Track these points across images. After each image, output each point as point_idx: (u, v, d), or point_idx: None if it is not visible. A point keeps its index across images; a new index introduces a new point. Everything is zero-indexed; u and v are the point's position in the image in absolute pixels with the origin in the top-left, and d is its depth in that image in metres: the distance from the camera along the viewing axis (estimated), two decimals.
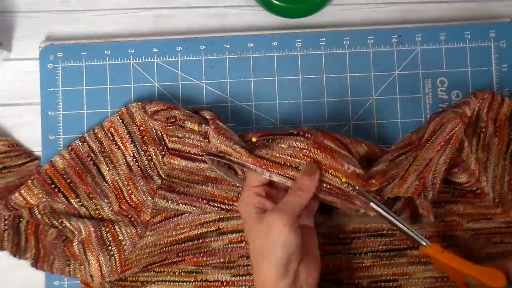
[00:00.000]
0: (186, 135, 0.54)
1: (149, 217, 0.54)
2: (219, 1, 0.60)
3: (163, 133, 0.55)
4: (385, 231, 0.55)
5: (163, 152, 0.55)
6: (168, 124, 0.54)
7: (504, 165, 0.55)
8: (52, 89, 0.57)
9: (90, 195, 0.54)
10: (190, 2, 0.60)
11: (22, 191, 0.53)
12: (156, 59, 0.58)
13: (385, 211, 0.48)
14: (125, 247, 0.53)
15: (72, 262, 0.53)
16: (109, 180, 0.55)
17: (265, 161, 0.49)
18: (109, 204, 0.54)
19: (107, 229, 0.54)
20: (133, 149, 0.55)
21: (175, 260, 0.54)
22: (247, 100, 0.58)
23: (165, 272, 0.54)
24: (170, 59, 0.58)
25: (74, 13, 0.59)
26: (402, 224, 0.48)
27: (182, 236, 0.54)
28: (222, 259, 0.54)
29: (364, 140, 0.54)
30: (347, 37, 0.58)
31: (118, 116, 0.56)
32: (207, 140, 0.53)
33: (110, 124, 0.56)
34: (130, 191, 0.55)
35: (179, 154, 0.54)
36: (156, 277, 0.54)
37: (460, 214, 0.55)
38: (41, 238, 0.55)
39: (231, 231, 0.54)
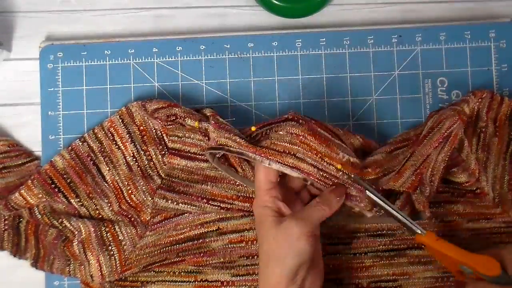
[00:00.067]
0: (186, 134, 0.54)
1: (149, 217, 0.54)
2: (219, 1, 0.60)
3: (163, 132, 0.55)
4: (385, 231, 0.55)
5: (163, 152, 0.55)
6: (169, 123, 0.54)
7: (504, 165, 0.55)
8: (52, 89, 0.57)
9: (90, 195, 0.54)
10: (190, 2, 0.60)
11: (22, 191, 0.53)
12: (156, 59, 0.58)
13: (380, 199, 0.48)
14: (125, 247, 0.53)
15: (72, 262, 0.53)
16: (109, 180, 0.55)
17: (264, 149, 0.49)
18: (109, 204, 0.54)
19: (107, 229, 0.54)
20: (133, 149, 0.55)
21: (175, 260, 0.54)
22: (247, 100, 0.58)
23: (165, 272, 0.54)
24: (170, 59, 0.58)
25: (74, 13, 0.59)
26: (397, 212, 0.48)
27: (182, 236, 0.54)
28: (222, 259, 0.54)
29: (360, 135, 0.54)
30: (347, 37, 0.58)
31: (118, 116, 0.56)
32: (207, 138, 0.53)
33: (110, 124, 0.56)
34: (130, 191, 0.55)
35: (179, 154, 0.54)
36: (156, 277, 0.54)
37: (460, 214, 0.55)
38: (41, 238, 0.55)
39: (231, 231, 0.54)
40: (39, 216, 0.54)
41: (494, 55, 0.58)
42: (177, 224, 0.54)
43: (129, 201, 0.55)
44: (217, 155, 0.53)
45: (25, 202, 0.54)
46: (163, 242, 0.54)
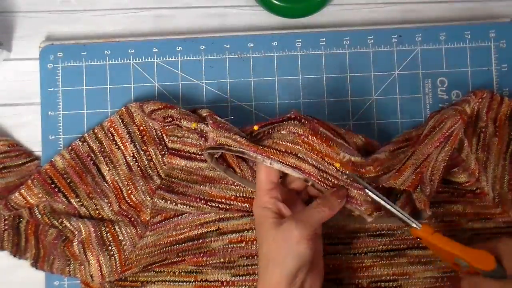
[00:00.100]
0: (185, 135, 0.54)
1: (148, 217, 0.54)
2: (219, 1, 0.60)
3: (162, 133, 0.55)
4: (385, 231, 0.55)
5: (163, 152, 0.55)
6: (166, 124, 0.54)
7: (504, 165, 0.55)
8: (52, 89, 0.57)
9: (90, 195, 0.54)
10: (190, 2, 0.60)
11: (22, 190, 0.53)
12: (156, 59, 0.58)
13: (377, 195, 0.48)
14: (125, 247, 0.53)
15: (72, 262, 0.53)
16: (109, 180, 0.55)
17: (266, 148, 0.49)
18: (109, 204, 0.54)
19: (107, 229, 0.54)
20: (133, 149, 0.55)
21: (175, 260, 0.54)
22: (247, 100, 0.58)
23: (165, 272, 0.54)
24: (170, 59, 0.58)
25: (74, 13, 0.59)
26: (393, 207, 0.48)
27: (182, 236, 0.54)
28: (222, 259, 0.54)
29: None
30: (347, 37, 0.58)
31: (118, 116, 0.56)
32: (203, 139, 0.53)
33: (110, 124, 0.56)
34: (129, 191, 0.55)
35: (179, 154, 0.54)
36: (156, 277, 0.54)
37: (459, 214, 0.55)
38: (41, 238, 0.55)
39: (231, 231, 0.54)
40: (39, 216, 0.54)
41: (494, 55, 0.58)
42: (177, 224, 0.54)
43: (129, 201, 0.55)
44: (216, 156, 0.52)
45: (25, 201, 0.54)
46: (163, 242, 0.54)
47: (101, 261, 0.53)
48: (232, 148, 0.49)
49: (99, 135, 0.56)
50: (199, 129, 0.52)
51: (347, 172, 0.49)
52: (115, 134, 0.55)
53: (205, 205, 0.54)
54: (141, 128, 0.56)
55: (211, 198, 0.54)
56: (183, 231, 0.54)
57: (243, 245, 0.54)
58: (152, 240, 0.54)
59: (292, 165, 0.48)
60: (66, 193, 0.54)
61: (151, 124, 0.55)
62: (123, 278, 0.54)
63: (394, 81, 0.58)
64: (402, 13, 0.60)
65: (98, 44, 0.58)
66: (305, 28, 0.59)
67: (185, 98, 0.58)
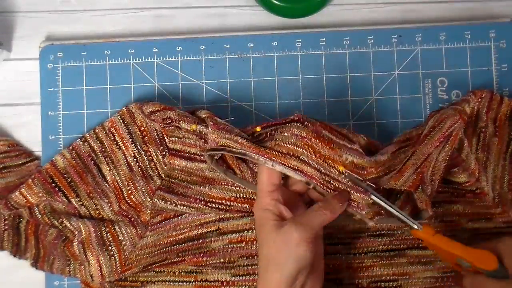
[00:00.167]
0: (186, 135, 0.54)
1: (148, 218, 0.54)
2: (219, 1, 0.60)
3: (163, 133, 0.55)
4: (385, 231, 0.55)
5: (164, 153, 0.55)
6: (165, 125, 0.54)
7: (504, 165, 0.55)
8: (52, 89, 0.57)
9: (91, 194, 0.54)
10: (190, 2, 0.60)
11: (23, 189, 0.53)
12: (156, 59, 0.58)
13: (377, 197, 0.48)
14: (125, 247, 0.53)
15: (72, 262, 0.53)
16: (109, 180, 0.55)
17: (268, 150, 0.48)
18: (109, 204, 0.54)
19: (107, 229, 0.54)
20: (134, 149, 0.55)
21: (175, 260, 0.54)
22: (247, 100, 0.58)
23: (165, 272, 0.54)
24: (170, 59, 0.58)
25: (74, 13, 0.59)
26: (394, 209, 0.48)
27: (182, 236, 0.54)
28: (222, 259, 0.54)
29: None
30: (347, 37, 0.58)
31: (119, 116, 0.56)
32: (203, 141, 0.53)
33: (111, 124, 0.56)
34: (130, 191, 0.55)
35: (179, 154, 0.54)
36: (156, 277, 0.54)
37: (459, 214, 0.55)
38: (41, 238, 0.55)
39: (231, 231, 0.54)
40: (39, 216, 0.54)
41: (494, 55, 0.58)
42: (177, 225, 0.54)
43: (129, 201, 0.55)
44: (216, 157, 0.52)
45: (25, 201, 0.54)
46: (163, 242, 0.54)
47: (101, 261, 0.53)
48: (234, 149, 0.49)
49: (100, 135, 0.56)
50: (199, 131, 0.52)
51: (349, 175, 0.49)
52: (116, 134, 0.55)
53: (204, 206, 0.54)
54: (142, 128, 0.56)
55: (211, 199, 0.54)
56: (183, 231, 0.54)
57: (243, 245, 0.54)
58: (152, 240, 0.54)
59: (294, 167, 0.48)
60: (66, 193, 0.54)
61: (152, 124, 0.55)
62: (123, 278, 0.54)
63: (394, 81, 0.58)
64: (402, 13, 0.60)
65: (98, 44, 0.58)
66: (305, 28, 0.59)
67: (185, 98, 0.58)
